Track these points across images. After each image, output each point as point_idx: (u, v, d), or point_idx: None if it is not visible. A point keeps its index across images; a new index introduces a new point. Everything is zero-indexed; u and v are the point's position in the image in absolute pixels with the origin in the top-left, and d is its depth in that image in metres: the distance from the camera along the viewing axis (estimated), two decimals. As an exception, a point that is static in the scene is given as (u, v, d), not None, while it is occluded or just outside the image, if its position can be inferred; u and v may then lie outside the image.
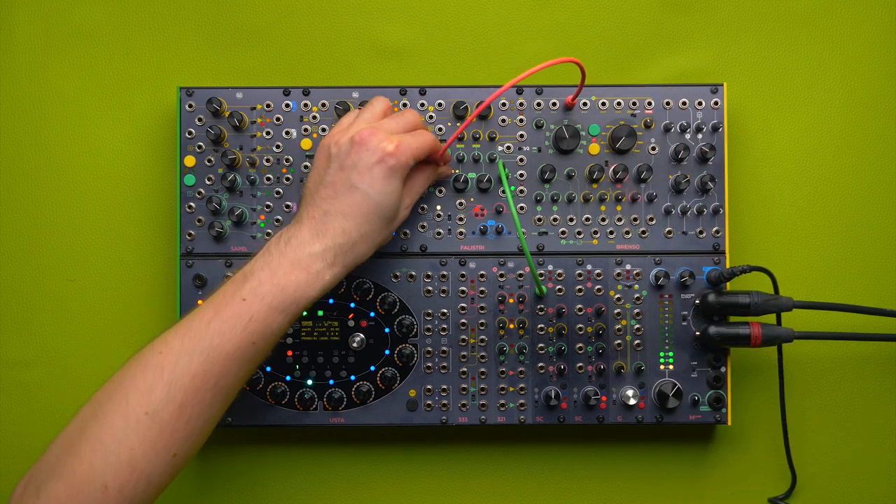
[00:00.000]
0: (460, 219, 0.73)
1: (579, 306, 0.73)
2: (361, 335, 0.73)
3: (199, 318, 0.58)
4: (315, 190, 0.64)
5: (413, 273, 0.73)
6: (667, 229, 0.73)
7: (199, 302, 0.72)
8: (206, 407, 0.57)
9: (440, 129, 0.73)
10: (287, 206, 0.73)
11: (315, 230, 0.62)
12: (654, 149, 0.73)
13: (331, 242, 0.61)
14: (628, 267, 0.73)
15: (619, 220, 0.74)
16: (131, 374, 0.57)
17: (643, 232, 0.73)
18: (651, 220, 0.73)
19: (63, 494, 0.53)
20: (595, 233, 0.74)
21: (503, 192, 0.73)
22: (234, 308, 0.58)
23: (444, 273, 0.73)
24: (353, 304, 0.73)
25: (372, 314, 0.73)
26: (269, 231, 0.73)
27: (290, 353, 0.73)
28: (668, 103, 0.73)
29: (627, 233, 0.73)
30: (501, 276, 0.73)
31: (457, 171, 0.73)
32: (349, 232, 0.62)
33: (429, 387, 0.73)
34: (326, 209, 0.62)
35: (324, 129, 0.73)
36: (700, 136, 0.73)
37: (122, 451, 0.54)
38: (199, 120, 0.73)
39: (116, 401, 0.56)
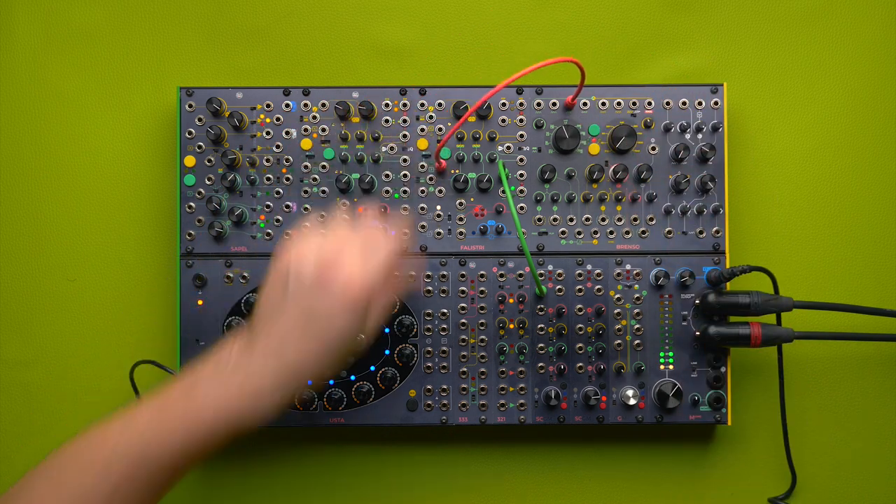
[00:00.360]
0: (460, 219, 0.73)
1: (579, 306, 0.73)
2: (361, 335, 0.72)
3: (138, 419, 0.57)
4: (270, 316, 0.58)
5: (413, 273, 0.73)
6: (667, 229, 0.73)
7: (200, 302, 0.72)
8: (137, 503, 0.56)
9: (440, 129, 0.73)
10: (287, 207, 0.73)
11: (268, 361, 0.57)
12: (654, 149, 0.73)
13: (284, 375, 0.57)
14: (628, 267, 0.73)
15: (619, 220, 0.74)
16: (65, 463, 0.56)
17: (643, 232, 0.73)
18: (651, 220, 0.73)
19: None
20: (595, 233, 0.74)
21: (503, 191, 0.73)
22: (175, 420, 0.56)
23: (444, 273, 0.73)
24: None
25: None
26: (269, 231, 0.73)
27: (290, 353, 0.73)
28: (668, 103, 0.73)
29: (627, 233, 0.73)
30: (501, 276, 0.73)
31: (456, 172, 0.73)
32: (306, 365, 0.58)
33: (429, 387, 0.73)
34: (283, 339, 0.57)
35: (324, 129, 0.73)
36: (700, 136, 0.73)
37: None
38: (199, 120, 0.73)
39: (43, 491, 0.55)
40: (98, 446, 0.56)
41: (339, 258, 0.58)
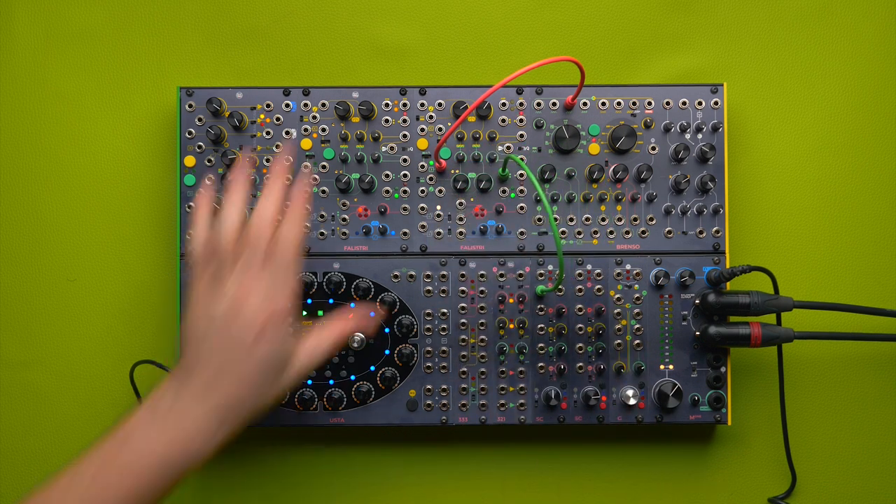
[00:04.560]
0: (460, 219, 0.73)
1: (579, 306, 0.73)
2: (361, 335, 0.72)
3: (80, 478, 0.55)
4: (198, 353, 0.58)
5: (413, 273, 0.73)
6: (667, 229, 0.73)
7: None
8: None
9: (440, 129, 0.73)
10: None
11: (202, 400, 0.57)
12: (654, 149, 0.73)
13: (221, 412, 0.57)
14: (628, 267, 0.73)
15: (619, 220, 0.74)
16: None
17: (643, 232, 0.73)
18: (651, 220, 0.73)
19: None
20: (595, 233, 0.74)
21: (524, 178, 0.73)
22: (117, 474, 0.54)
23: (444, 273, 0.73)
24: (353, 305, 0.73)
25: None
26: (269, 231, 0.73)
27: (290, 353, 0.73)
28: (668, 103, 0.73)
29: (627, 233, 0.73)
30: (501, 275, 0.73)
31: (456, 172, 0.73)
32: (241, 400, 0.57)
33: (429, 387, 0.73)
34: (214, 376, 0.57)
35: (324, 129, 0.73)
36: (700, 136, 0.73)
37: None
38: (199, 120, 0.73)
39: None
40: None
41: (244, 290, 0.57)
